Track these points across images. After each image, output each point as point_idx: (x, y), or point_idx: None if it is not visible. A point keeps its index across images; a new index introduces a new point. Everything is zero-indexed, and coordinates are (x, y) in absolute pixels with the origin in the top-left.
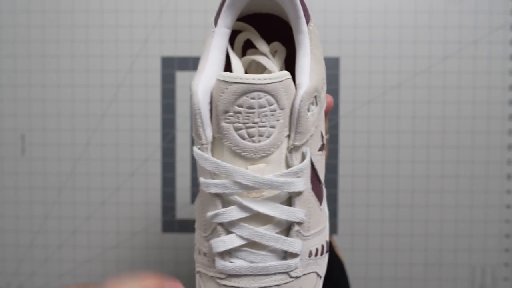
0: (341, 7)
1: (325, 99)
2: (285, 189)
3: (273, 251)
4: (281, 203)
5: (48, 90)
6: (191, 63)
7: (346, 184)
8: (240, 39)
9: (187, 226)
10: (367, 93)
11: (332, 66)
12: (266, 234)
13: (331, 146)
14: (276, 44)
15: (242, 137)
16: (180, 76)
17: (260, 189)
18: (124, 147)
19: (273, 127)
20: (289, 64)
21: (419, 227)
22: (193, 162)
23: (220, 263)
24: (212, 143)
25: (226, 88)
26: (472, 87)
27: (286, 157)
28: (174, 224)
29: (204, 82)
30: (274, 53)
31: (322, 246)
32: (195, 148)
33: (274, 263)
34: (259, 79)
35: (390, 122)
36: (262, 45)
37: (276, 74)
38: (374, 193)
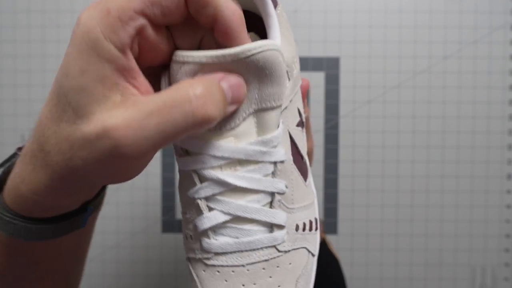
0: (341, 7)
1: (299, 78)
2: (262, 158)
3: (258, 224)
4: (256, 176)
5: (48, 90)
6: None
7: (346, 184)
8: None
9: None
10: (367, 93)
11: (332, 66)
12: (248, 206)
13: (331, 146)
14: (251, 34)
15: None
16: None
17: (233, 164)
18: None
19: None
20: None
21: (419, 227)
22: None
23: (205, 241)
24: None
25: (180, 69)
26: (472, 87)
27: (257, 131)
28: (174, 224)
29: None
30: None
31: (311, 222)
32: None
33: (259, 236)
34: (211, 57)
35: (390, 122)
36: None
37: (237, 49)
38: (374, 193)
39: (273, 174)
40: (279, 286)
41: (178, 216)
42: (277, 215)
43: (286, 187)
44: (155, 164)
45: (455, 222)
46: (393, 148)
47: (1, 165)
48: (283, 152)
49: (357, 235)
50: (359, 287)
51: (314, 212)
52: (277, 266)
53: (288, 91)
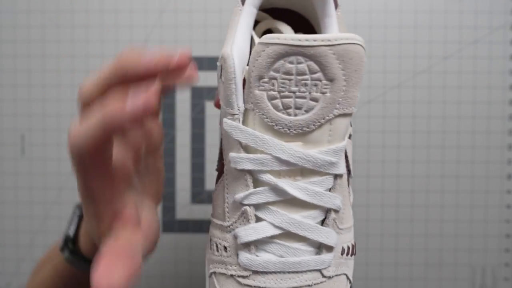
0: (341, 7)
1: None
2: (328, 169)
3: (306, 244)
4: (317, 189)
5: (48, 90)
6: (191, 63)
7: None
8: (259, 29)
9: (187, 226)
10: (367, 93)
11: None
12: (302, 222)
13: None
14: (300, 34)
15: (276, 108)
16: None
17: (294, 172)
18: None
19: (315, 100)
20: None
21: (419, 227)
22: (193, 162)
23: (245, 256)
24: (244, 115)
25: (263, 51)
26: (472, 87)
27: (329, 140)
28: (174, 224)
29: (237, 49)
30: None
31: (352, 246)
32: (226, 120)
33: (307, 257)
34: (300, 40)
35: (390, 122)
36: (287, 30)
37: (330, 36)
38: (374, 193)
39: (332, 189)
40: None
41: (178, 216)
42: (330, 235)
43: (341, 203)
44: None
45: (455, 222)
46: (393, 148)
47: (70, 224)
48: (343, 166)
49: (357, 235)
50: (359, 287)
51: (353, 236)
52: None
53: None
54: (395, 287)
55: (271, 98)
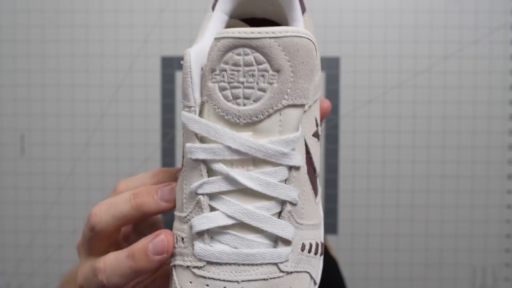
0: (341, 7)
1: (319, 88)
2: (279, 160)
3: (262, 236)
4: (270, 180)
5: (48, 90)
6: None
7: (346, 184)
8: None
9: None
10: (367, 93)
11: (332, 66)
12: (255, 212)
13: (331, 146)
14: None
15: (226, 98)
16: (180, 76)
17: (246, 162)
18: (124, 147)
19: (262, 90)
20: None
21: (419, 227)
22: None
23: (199, 246)
24: (200, 107)
25: (215, 45)
26: (472, 87)
27: (280, 130)
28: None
29: (198, 48)
30: None
31: (317, 245)
32: (183, 112)
33: (262, 250)
34: (245, 33)
35: (390, 122)
36: None
37: (275, 28)
38: (374, 193)
39: (287, 180)
40: None
41: None
42: (286, 228)
43: (299, 197)
44: (155, 164)
45: (455, 222)
46: (393, 148)
47: None
48: (300, 158)
49: (357, 235)
50: (359, 287)
51: (320, 235)
52: None
53: (311, 94)
54: (395, 287)
55: (222, 89)
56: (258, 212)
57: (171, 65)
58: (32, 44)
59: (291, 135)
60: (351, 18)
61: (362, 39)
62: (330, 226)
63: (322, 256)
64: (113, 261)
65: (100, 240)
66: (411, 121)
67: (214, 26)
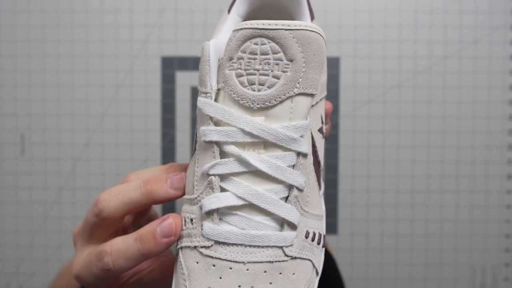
0: (341, 7)
1: (325, 89)
2: (289, 145)
3: (269, 219)
4: (280, 163)
5: (48, 90)
6: (191, 63)
7: (346, 184)
8: None
9: None
10: (367, 93)
11: (332, 66)
12: (264, 194)
13: (331, 146)
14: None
15: (242, 84)
16: (180, 76)
17: (257, 146)
18: (124, 147)
19: (276, 77)
20: None
21: (419, 227)
22: None
23: (208, 226)
24: (216, 94)
25: (234, 36)
26: (472, 87)
27: (290, 117)
28: None
29: (215, 42)
30: None
31: (320, 235)
32: (199, 98)
33: (268, 232)
34: (263, 24)
35: (390, 122)
36: None
37: (290, 22)
38: (374, 193)
39: (295, 166)
40: None
41: None
42: (292, 212)
43: (305, 184)
44: (155, 164)
45: (455, 222)
46: (393, 148)
47: None
48: (308, 146)
49: (357, 235)
50: (359, 287)
51: (322, 227)
52: (280, 273)
53: (318, 91)
54: (395, 287)
55: (238, 76)
56: (267, 194)
57: (171, 65)
58: (32, 44)
59: (300, 122)
60: (351, 18)
61: (362, 39)
62: (330, 226)
63: (324, 248)
64: (121, 244)
65: (104, 227)
66: (411, 121)
67: (230, 26)
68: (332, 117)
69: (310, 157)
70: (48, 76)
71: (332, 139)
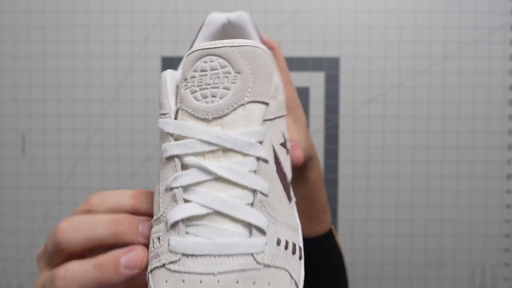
0: (341, 7)
1: (284, 109)
2: (247, 150)
3: (236, 225)
4: (240, 169)
5: (48, 90)
6: None
7: (346, 184)
8: None
9: None
10: (367, 93)
11: (332, 66)
12: (228, 200)
13: (331, 146)
14: None
15: (196, 99)
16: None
17: (217, 154)
18: (124, 147)
19: (227, 88)
20: None
21: (419, 227)
22: None
23: (174, 239)
24: (175, 114)
25: (186, 59)
26: (472, 87)
27: (245, 124)
28: None
29: (173, 72)
30: None
31: (294, 245)
32: (160, 119)
33: (236, 239)
34: (210, 44)
35: (390, 122)
36: None
37: (235, 40)
38: (374, 193)
39: (256, 172)
40: None
41: None
42: (258, 217)
43: (269, 189)
44: (155, 164)
45: (455, 222)
46: (393, 148)
47: None
48: (267, 153)
49: (357, 235)
50: (359, 286)
51: (298, 239)
52: (254, 282)
53: (274, 107)
54: (395, 287)
55: (192, 92)
56: (231, 200)
57: (172, 66)
58: (33, 44)
59: (255, 127)
60: (351, 19)
61: (362, 39)
62: None
63: (302, 260)
64: (77, 269)
65: (63, 256)
66: (411, 121)
67: None
68: (332, 117)
69: (273, 165)
70: (49, 76)
71: (332, 139)
